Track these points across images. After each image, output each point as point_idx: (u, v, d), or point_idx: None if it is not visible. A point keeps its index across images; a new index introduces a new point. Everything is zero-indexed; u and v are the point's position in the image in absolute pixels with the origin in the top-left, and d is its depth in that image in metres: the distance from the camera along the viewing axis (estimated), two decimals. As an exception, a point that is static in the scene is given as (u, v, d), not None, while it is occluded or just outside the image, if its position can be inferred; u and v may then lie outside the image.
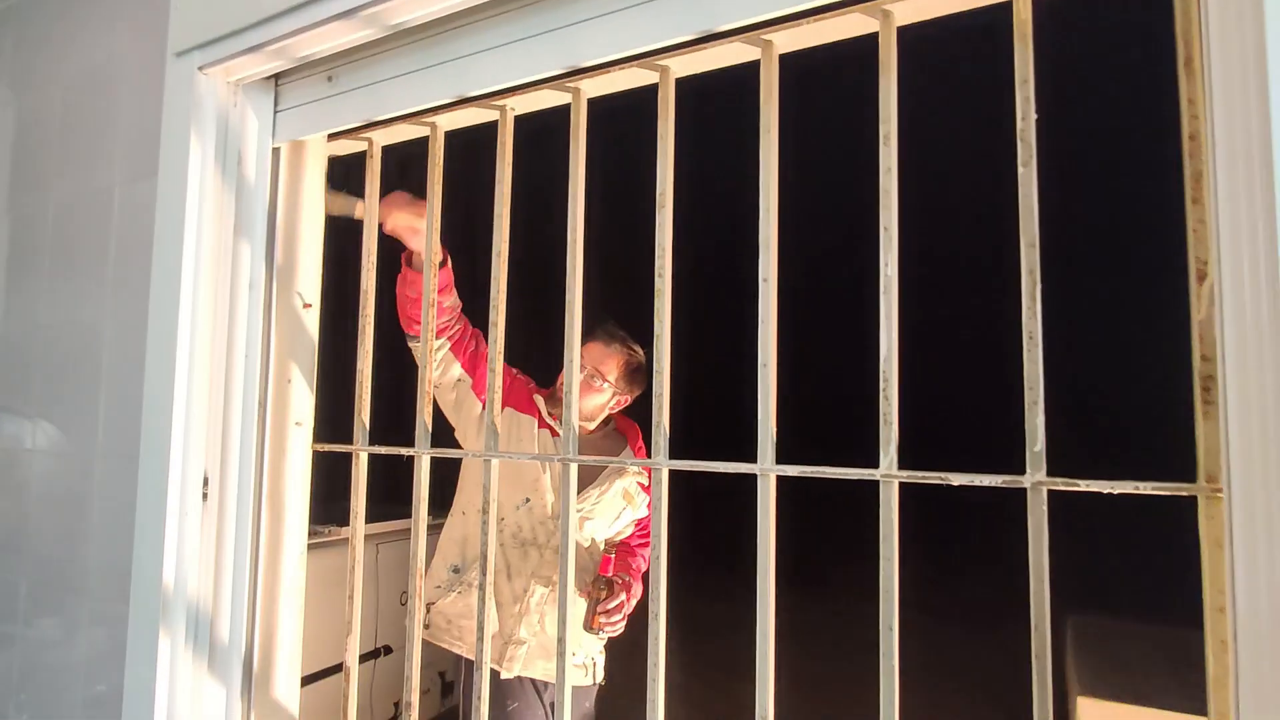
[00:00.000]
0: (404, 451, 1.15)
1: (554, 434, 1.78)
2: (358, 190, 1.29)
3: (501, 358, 1.10)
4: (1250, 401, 0.61)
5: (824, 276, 3.10)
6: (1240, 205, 0.63)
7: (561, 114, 1.07)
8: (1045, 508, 0.74)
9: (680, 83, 0.99)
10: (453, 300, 1.67)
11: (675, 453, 0.93)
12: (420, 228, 1.45)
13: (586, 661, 1.81)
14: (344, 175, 1.35)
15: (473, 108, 1.11)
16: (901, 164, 0.84)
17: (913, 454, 0.83)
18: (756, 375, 0.88)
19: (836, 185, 2.57)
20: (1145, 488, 0.69)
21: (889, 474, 0.80)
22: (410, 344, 1.68)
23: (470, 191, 1.89)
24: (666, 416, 0.95)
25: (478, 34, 1.01)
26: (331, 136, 1.26)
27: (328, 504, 2.45)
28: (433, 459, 1.14)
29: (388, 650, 2.76)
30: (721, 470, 0.92)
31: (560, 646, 1.00)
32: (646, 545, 1.90)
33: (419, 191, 1.19)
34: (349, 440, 1.19)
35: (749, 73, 0.94)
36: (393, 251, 1.53)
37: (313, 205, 1.28)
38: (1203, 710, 0.67)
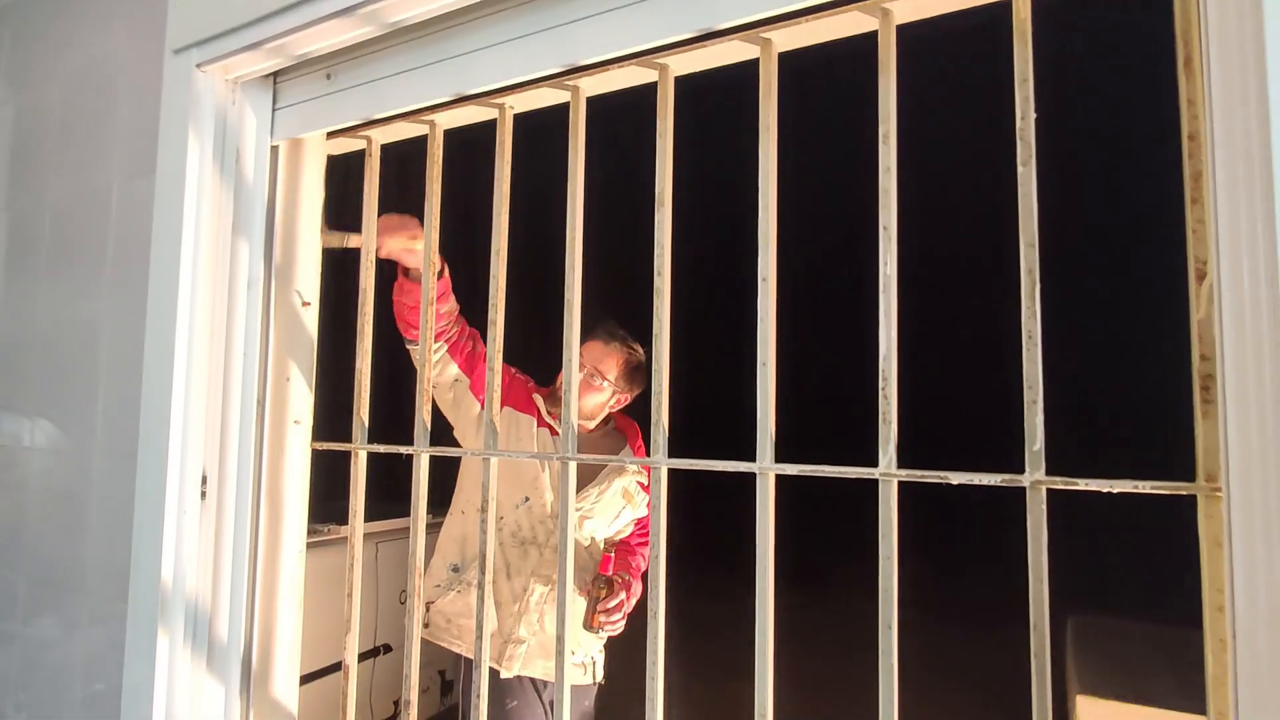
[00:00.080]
0: (403, 450, 1.15)
1: (553, 433, 1.78)
2: (353, 224, 1.30)
3: (500, 356, 1.10)
4: (1249, 401, 0.61)
5: (823, 275, 3.10)
6: (1239, 205, 0.62)
7: (560, 113, 1.07)
8: (1044, 507, 0.74)
9: (679, 81, 0.99)
10: (449, 306, 1.68)
11: (675, 451, 0.93)
12: (415, 248, 1.48)
13: (586, 660, 1.81)
14: (337, 213, 1.35)
15: (471, 106, 1.11)
16: (901, 163, 0.84)
17: (912, 453, 0.83)
18: (756, 374, 0.88)
19: (836, 184, 2.57)
20: (1144, 487, 0.69)
21: (888, 473, 0.80)
22: (409, 347, 1.68)
23: (469, 192, 1.89)
24: (666, 415, 0.95)
25: (476, 32, 1.01)
26: (330, 135, 1.26)
27: (327, 502, 2.45)
28: (432, 457, 1.14)
29: (387, 649, 2.76)
30: (721, 469, 0.92)
31: (559, 645, 1.00)
32: (646, 544, 1.90)
33: (417, 197, 1.19)
34: (348, 439, 1.19)
35: (748, 71, 0.94)
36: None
37: (311, 203, 1.28)
38: (1202, 709, 0.67)
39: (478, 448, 1.70)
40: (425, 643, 1.74)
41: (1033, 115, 0.77)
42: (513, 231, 1.11)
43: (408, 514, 1.15)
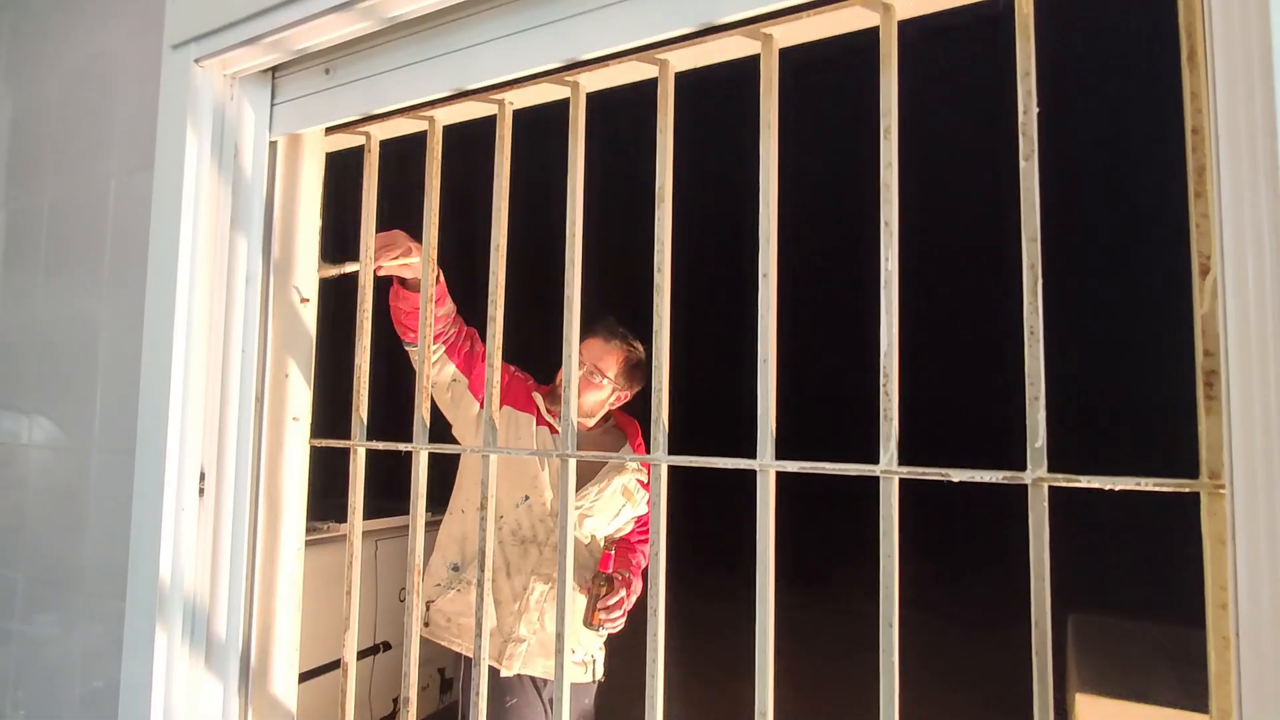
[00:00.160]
0: (402, 447, 1.14)
1: (553, 431, 1.78)
2: (348, 253, 1.32)
3: (500, 353, 1.10)
4: (1253, 397, 0.61)
5: (824, 271, 3.10)
6: (1243, 200, 0.62)
7: (560, 108, 1.06)
8: (1046, 504, 0.74)
9: (679, 77, 0.98)
10: (446, 309, 1.68)
11: (675, 449, 0.92)
12: (409, 263, 1.50)
13: (586, 659, 1.81)
14: (334, 245, 1.36)
15: (471, 101, 1.11)
16: (902, 159, 0.83)
17: (913, 450, 0.82)
18: (756, 371, 0.88)
19: (837, 180, 2.56)
20: (1147, 484, 0.69)
21: (889, 470, 0.80)
22: (407, 349, 1.69)
23: (468, 188, 1.89)
24: (666, 412, 0.95)
25: (476, 26, 1.00)
26: (329, 130, 1.25)
27: (326, 500, 2.45)
28: (431, 455, 1.14)
29: (386, 646, 2.76)
30: (721, 466, 0.91)
31: (559, 644, 1.00)
32: (646, 542, 1.90)
33: (414, 200, 1.18)
34: (347, 436, 1.19)
35: (749, 67, 0.94)
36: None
37: (310, 199, 1.27)
38: (1204, 707, 0.67)
39: (476, 446, 1.70)
40: (425, 640, 1.74)
41: (1035, 110, 0.76)
42: (512, 228, 1.11)
43: (407, 512, 1.15)
